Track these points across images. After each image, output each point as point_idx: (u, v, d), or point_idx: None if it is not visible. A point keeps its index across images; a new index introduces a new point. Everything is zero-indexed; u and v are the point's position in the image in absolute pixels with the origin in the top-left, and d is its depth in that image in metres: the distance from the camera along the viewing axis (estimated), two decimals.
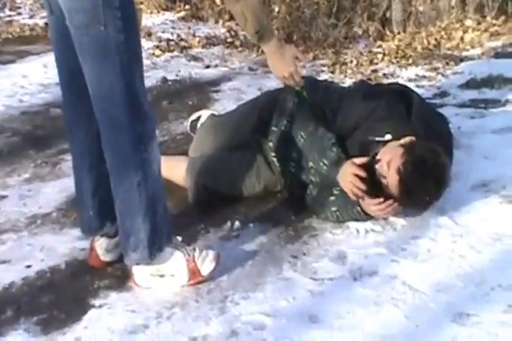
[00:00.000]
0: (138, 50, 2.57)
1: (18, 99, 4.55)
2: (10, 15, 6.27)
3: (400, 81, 4.54)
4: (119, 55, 2.49)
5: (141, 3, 6.23)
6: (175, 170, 3.37)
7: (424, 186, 2.86)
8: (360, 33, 5.58)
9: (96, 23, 2.45)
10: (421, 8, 5.31)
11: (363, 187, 2.93)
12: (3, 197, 3.44)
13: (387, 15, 5.55)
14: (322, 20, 5.70)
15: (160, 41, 5.67)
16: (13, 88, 4.71)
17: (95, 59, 2.52)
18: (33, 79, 4.86)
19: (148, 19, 6.09)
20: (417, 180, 2.86)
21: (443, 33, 5.26)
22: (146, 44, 5.53)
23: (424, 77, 4.78)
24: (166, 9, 6.50)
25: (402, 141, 2.96)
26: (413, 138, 2.97)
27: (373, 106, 3.18)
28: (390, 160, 2.90)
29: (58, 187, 3.50)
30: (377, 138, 3.06)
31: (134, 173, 2.60)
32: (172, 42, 5.67)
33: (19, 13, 6.36)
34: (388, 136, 3.04)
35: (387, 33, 5.44)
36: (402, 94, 3.31)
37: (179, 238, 2.81)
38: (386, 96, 3.27)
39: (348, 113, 3.21)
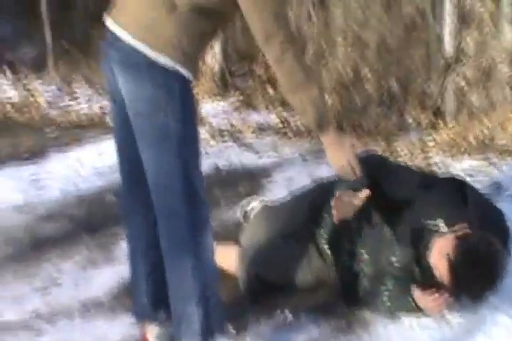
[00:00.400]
0: (196, 138, 2.64)
1: (73, 185, 4.62)
2: (68, 104, 6.41)
3: (453, 172, 4.53)
4: (177, 143, 2.56)
5: (196, 92, 6.33)
6: (226, 258, 3.36)
7: (476, 276, 2.83)
8: (411, 122, 5.59)
9: (157, 112, 2.53)
10: (474, 99, 5.32)
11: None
12: (58, 282, 3.46)
13: (440, 105, 5.56)
14: (373, 109, 5.74)
15: (212, 129, 5.74)
16: (69, 174, 4.78)
17: (154, 146, 2.59)
18: (89, 166, 4.93)
19: (201, 106, 6.18)
20: (467, 270, 2.84)
21: (497, 124, 5.25)
22: None
23: (478, 169, 4.76)
24: (218, 96, 6.59)
25: (455, 228, 2.94)
26: (466, 226, 2.95)
27: (428, 189, 3.18)
28: (440, 249, 2.88)
29: (111, 273, 3.52)
30: (429, 222, 3.05)
31: (189, 258, 2.63)
32: (224, 130, 5.74)
33: (77, 101, 6.50)
34: (441, 222, 3.03)
35: (440, 123, 5.44)
36: (456, 183, 3.31)
37: (231, 327, 2.80)
38: (441, 182, 3.27)
39: (402, 194, 3.21)
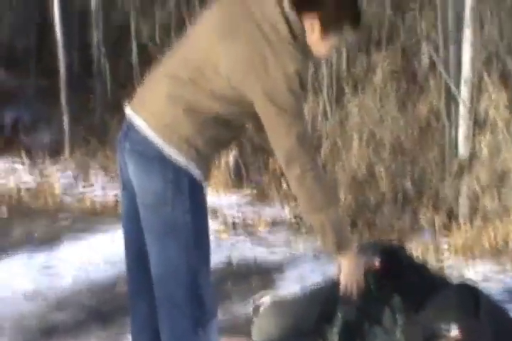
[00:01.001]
0: (204, 233, 2.66)
1: (85, 274, 4.63)
2: (83, 192, 6.46)
3: (466, 276, 4.53)
4: (184, 237, 2.59)
5: (210, 185, 6.37)
6: None
7: None
8: (425, 223, 5.61)
9: (164, 205, 2.56)
10: (487, 203, 5.36)
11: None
12: None
13: (453, 207, 5.60)
14: (387, 208, 5.77)
15: (226, 222, 5.77)
16: (81, 262, 4.80)
17: (161, 239, 2.62)
18: (101, 254, 4.94)
19: (215, 199, 6.23)
20: None
21: (510, 228, 5.25)
22: (211, 224, 5.55)
23: (492, 275, 4.75)
24: (233, 188, 6.63)
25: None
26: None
27: (442, 293, 3.18)
28: None
29: None
30: (442, 326, 3.03)
31: None
32: (237, 224, 5.76)
33: (92, 188, 6.55)
34: (454, 328, 3.01)
35: (453, 225, 5.46)
36: (470, 289, 3.30)
37: None
38: (455, 287, 3.27)
39: (416, 291, 3.20)
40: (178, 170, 2.55)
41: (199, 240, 2.62)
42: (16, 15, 9.22)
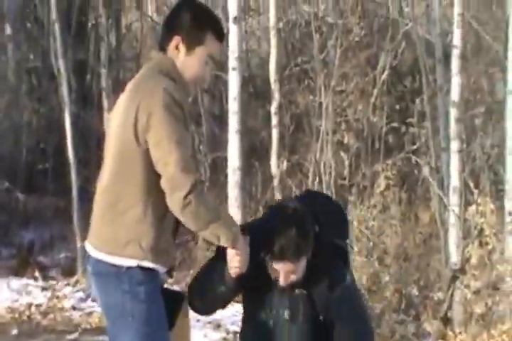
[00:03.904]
0: (164, 328, 2.77)
1: None
2: (92, 306, 6.55)
3: None
4: None
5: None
6: None
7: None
8: (429, 330, 5.62)
9: (124, 316, 2.72)
10: (479, 311, 5.37)
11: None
12: None
13: (448, 314, 5.63)
14: (390, 316, 5.80)
15: (228, 333, 5.84)
16: None
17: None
18: None
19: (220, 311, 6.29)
20: None
21: (504, 336, 5.24)
22: (213, 335, 5.75)
23: None
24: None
25: None
26: None
27: None
28: None
29: None
30: None
31: None
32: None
33: None
34: None
35: (449, 332, 5.48)
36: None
37: None
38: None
39: None
40: (132, 281, 2.71)
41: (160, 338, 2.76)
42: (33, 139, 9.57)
